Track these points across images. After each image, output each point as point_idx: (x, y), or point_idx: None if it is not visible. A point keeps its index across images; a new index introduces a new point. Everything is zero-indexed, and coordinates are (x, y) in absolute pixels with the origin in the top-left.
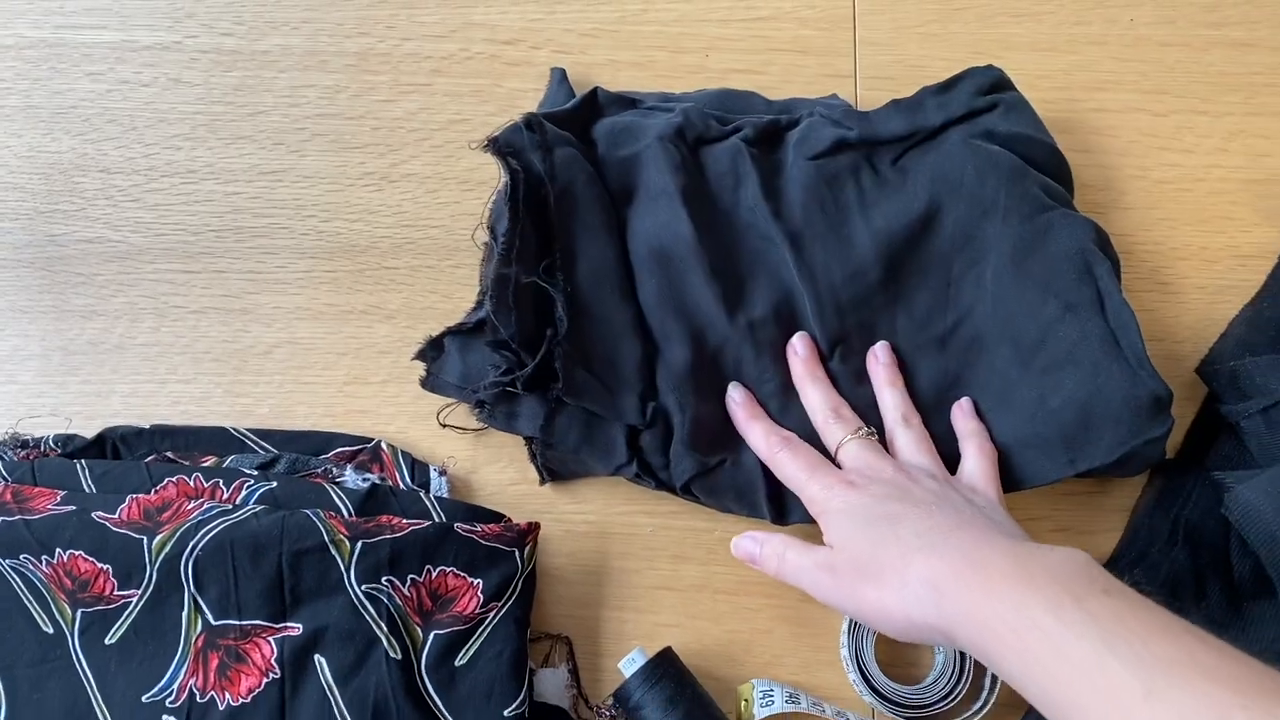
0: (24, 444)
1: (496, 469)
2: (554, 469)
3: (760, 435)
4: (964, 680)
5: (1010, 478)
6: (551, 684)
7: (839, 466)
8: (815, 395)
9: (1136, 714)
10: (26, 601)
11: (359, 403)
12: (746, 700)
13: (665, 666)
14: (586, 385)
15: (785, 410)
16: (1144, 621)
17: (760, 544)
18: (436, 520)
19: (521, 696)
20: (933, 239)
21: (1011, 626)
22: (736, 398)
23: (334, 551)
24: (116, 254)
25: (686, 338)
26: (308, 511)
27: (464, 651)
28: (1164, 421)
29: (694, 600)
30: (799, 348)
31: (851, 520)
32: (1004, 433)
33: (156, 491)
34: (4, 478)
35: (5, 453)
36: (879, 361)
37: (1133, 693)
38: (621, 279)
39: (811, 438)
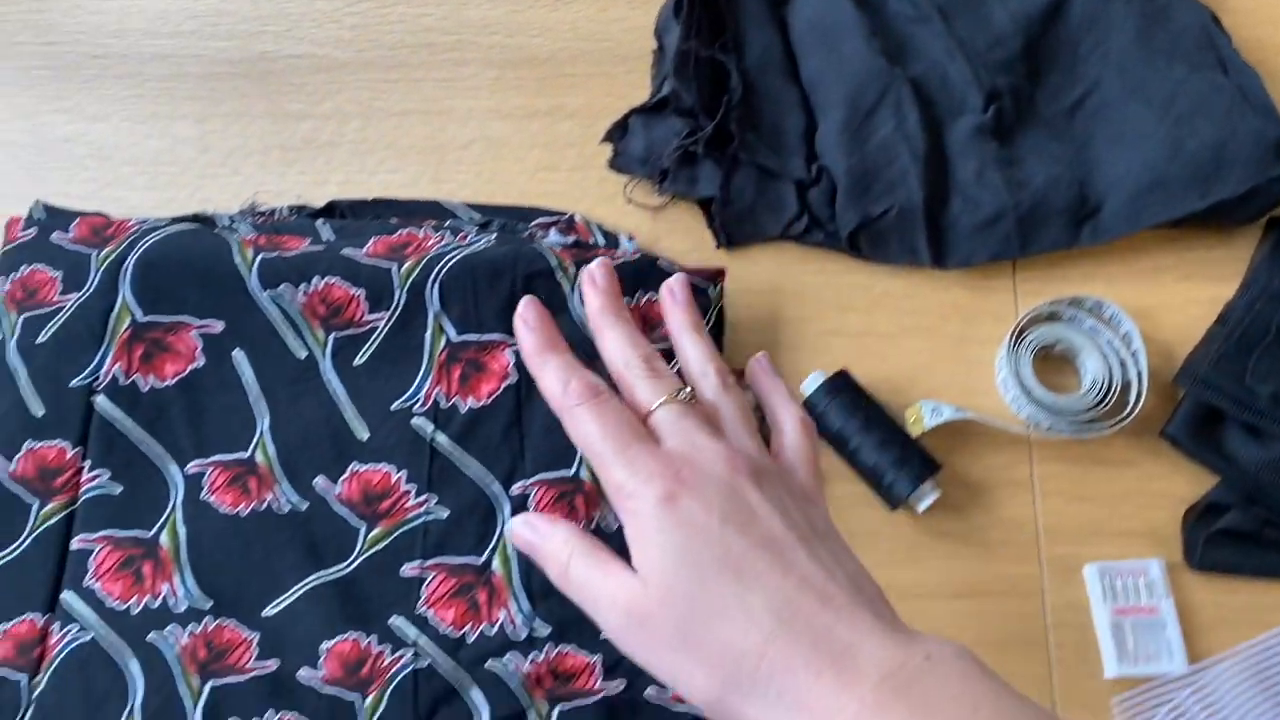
0: (261, 212)
1: (675, 239)
2: (730, 232)
3: (556, 377)
4: (1113, 392)
5: (1148, 213)
6: None
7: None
8: (615, 338)
9: None
10: (283, 330)
11: (550, 188)
12: (917, 416)
13: (843, 381)
14: (758, 144)
15: (940, 167)
16: None
17: (542, 536)
18: None
19: None
20: (1061, 23)
21: None
22: (529, 320)
23: (560, 276)
24: (322, 67)
25: (845, 100)
26: (537, 245)
27: (671, 365)
28: None
29: (859, 343)
30: (598, 277)
31: (679, 554)
32: (1141, 176)
33: (396, 234)
34: (254, 230)
35: (246, 219)
36: (675, 299)
37: None
38: (786, 64)
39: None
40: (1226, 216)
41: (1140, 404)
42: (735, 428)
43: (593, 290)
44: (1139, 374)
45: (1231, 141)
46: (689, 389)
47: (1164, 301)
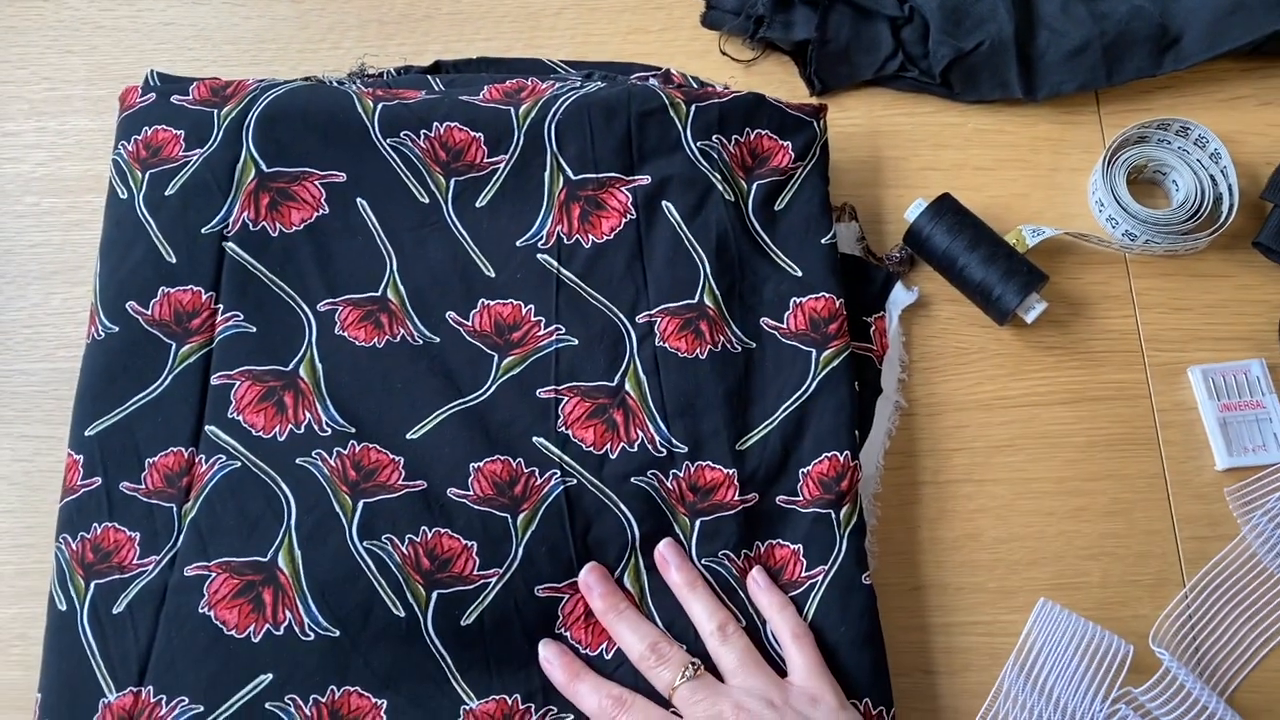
0: (369, 75)
1: (769, 90)
2: (824, 77)
3: (591, 695)
4: (1205, 205)
5: (1229, 36)
6: (845, 236)
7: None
8: (628, 633)
9: None
10: (405, 177)
11: (643, 48)
12: (1019, 238)
13: (947, 203)
14: None
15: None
16: None
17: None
18: None
19: (832, 230)
20: None
21: None
22: (550, 657)
23: (672, 113)
24: None
25: None
26: (648, 85)
27: (781, 198)
28: None
29: (956, 176)
30: (593, 583)
31: None
32: (1221, 5)
33: (508, 82)
34: (366, 86)
35: (355, 80)
36: (670, 565)
37: None
38: None
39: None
40: None
41: (1233, 214)
42: (743, 671)
43: (592, 595)
44: (1230, 187)
45: None
46: (695, 661)
47: (1244, 127)
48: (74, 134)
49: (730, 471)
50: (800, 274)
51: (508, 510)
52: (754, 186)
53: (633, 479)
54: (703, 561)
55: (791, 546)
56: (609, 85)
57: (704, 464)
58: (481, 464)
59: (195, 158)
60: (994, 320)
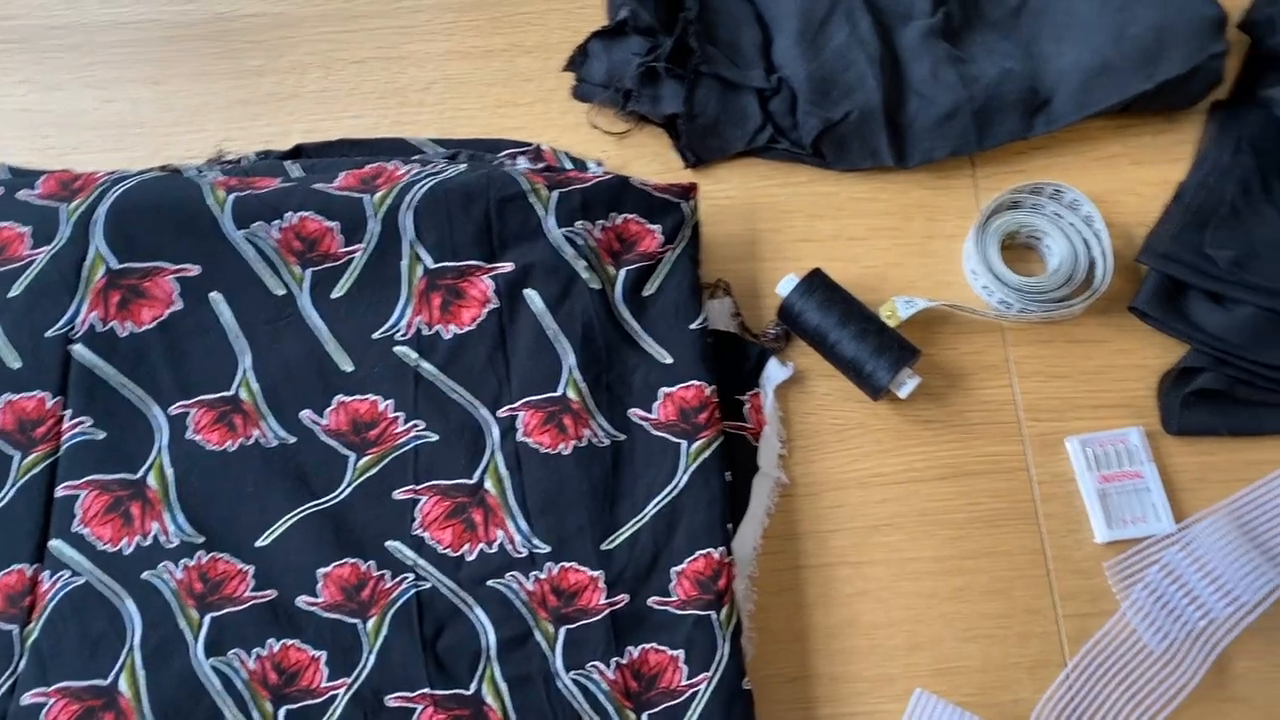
0: (228, 161)
1: (642, 164)
2: (696, 149)
3: None
4: (1079, 270)
5: (1097, 98)
6: (720, 312)
7: None
8: None
9: None
10: (259, 269)
11: (513, 122)
12: (891, 311)
13: (818, 279)
14: (719, 56)
15: (895, 69)
16: None
17: None
18: None
19: (703, 314)
20: None
21: None
22: None
23: (533, 199)
24: (279, 23)
25: (798, 11)
26: (507, 170)
27: (651, 282)
28: (1222, 40)
29: (831, 247)
30: None
31: None
32: (1088, 63)
33: (366, 167)
34: (222, 175)
35: (214, 167)
36: None
37: None
38: None
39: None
40: (1172, 100)
41: (1106, 280)
42: None
43: None
44: (1103, 252)
45: (1171, 23)
46: None
47: (1119, 186)
48: None
49: (596, 573)
50: (670, 361)
51: (357, 616)
52: (622, 272)
53: (490, 582)
54: (570, 675)
55: (670, 652)
56: (470, 169)
57: (568, 565)
58: (330, 569)
59: (41, 256)
60: (868, 396)
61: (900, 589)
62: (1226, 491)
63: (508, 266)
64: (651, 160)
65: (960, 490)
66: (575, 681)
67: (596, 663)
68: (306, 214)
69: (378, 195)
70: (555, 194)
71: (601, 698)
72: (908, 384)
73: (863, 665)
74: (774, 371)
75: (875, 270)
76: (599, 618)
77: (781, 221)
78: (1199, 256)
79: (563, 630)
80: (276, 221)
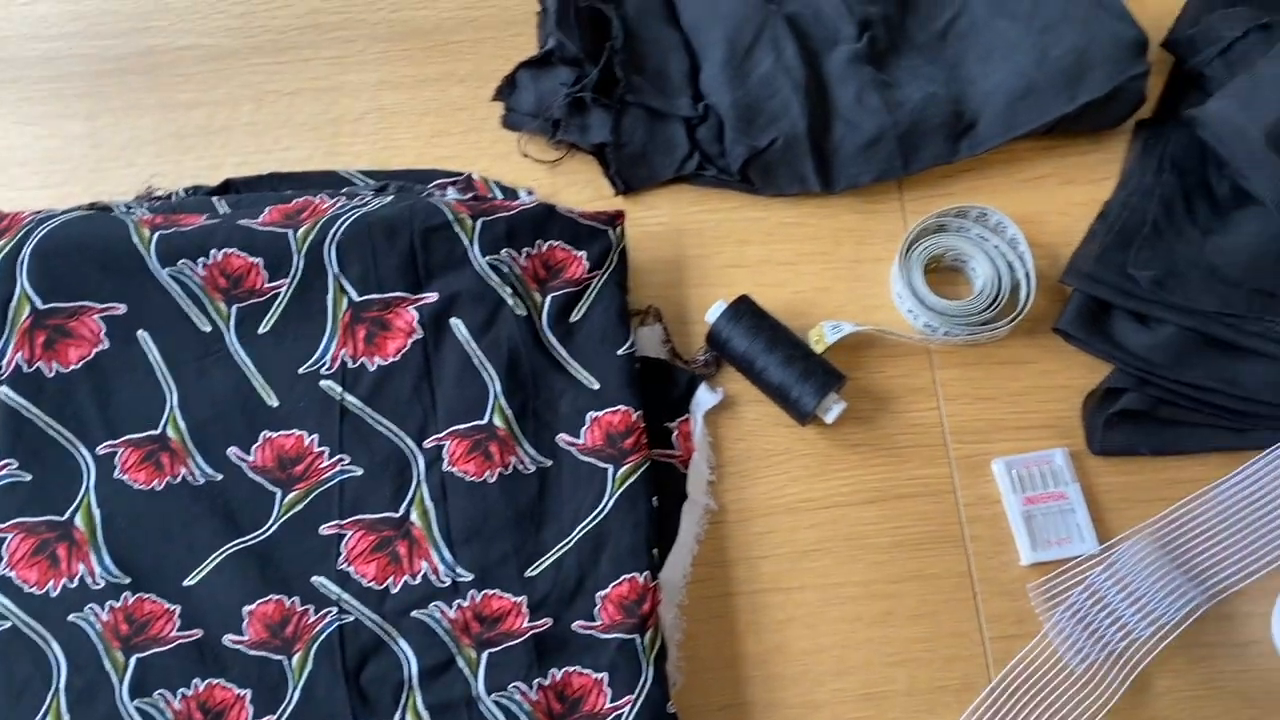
0: (157, 197)
1: (574, 191)
2: (626, 177)
3: None
4: (1003, 293)
5: (1021, 120)
6: (650, 339)
7: None
8: None
9: None
10: (185, 306)
11: (445, 151)
12: (819, 336)
13: (745, 306)
14: (645, 85)
15: (821, 95)
16: None
17: None
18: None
19: (630, 339)
20: None
21: None
22: None
23: (457, 229)
24: (210, 56)
25: (724, 39)
26: (431, 200)
27: (578, 308)
28: (1143, 61)
29: (760, 272)
30: None
31: None
32: (1011, 86)
33: (291, 202)
34: (151, 213)
35: (142, 204)
36: None
37: None
38: (664, 10)
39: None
40: (1097, 121)
41: (1030, 302)
42: None
43: None
44: (1027, 274)
45: (1093, 45)
46: None
47: (1046, 207)
48: None
49: (519, 599)
50: (597, 386)
51: (282, 652)
52: (548, 299)
53: (413, 612)
54: (492, 698)
55: (594, 675)
56: (394, 201)
57: (491, 592)
58: (255, 606)
59: None
60: (795, 421)
61: (828, 614)
62: (1150, 511)
63: (432, 296)
64: (584, 187)
65: (887, 514)
66: (497, 703)
67: (519, 683)
68: (231, 250)
69: (302, 230)
70: (479, 223)
71: (524, 718)
72: (833, 409)
73: (792, 692)
74: (703, 397)
75: (804, 295)
76: (521, 640)
77: (711, 247)
78: (1122, 276)
79: (485, 654)
80: (201, 259)
